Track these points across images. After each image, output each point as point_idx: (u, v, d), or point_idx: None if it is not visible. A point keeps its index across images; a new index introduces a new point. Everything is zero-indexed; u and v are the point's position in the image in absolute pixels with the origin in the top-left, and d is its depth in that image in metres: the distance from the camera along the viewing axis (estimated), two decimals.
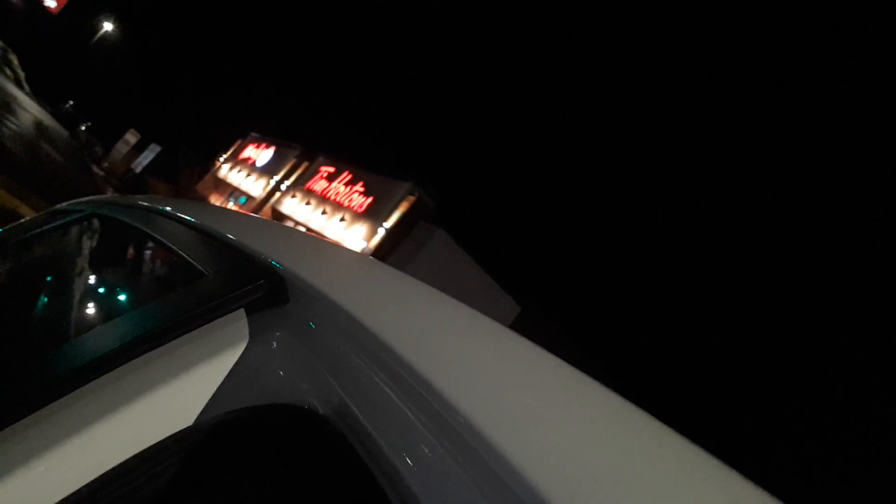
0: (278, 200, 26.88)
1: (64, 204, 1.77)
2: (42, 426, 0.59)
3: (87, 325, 1.13)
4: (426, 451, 0.48)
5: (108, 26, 36.02)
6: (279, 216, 25.76)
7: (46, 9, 32.62)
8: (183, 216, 1.15)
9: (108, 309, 1.22)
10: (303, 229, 1.26)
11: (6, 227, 1.75)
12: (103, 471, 0.58)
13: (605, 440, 0.54)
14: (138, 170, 30.40)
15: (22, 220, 1.76)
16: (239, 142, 33.10)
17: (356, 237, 21.58)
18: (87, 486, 0.57)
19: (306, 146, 28.30)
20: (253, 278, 0.78)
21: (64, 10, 33.37)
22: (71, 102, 33.29)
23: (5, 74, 23.25)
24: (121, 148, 31.37)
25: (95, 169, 24.87)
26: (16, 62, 26.94)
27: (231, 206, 28.19)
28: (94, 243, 1.47)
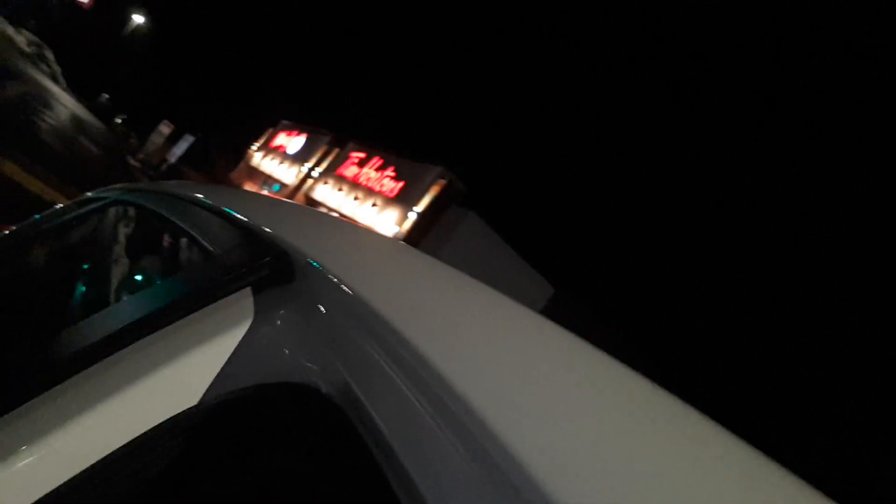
0: (311, 187, 27.12)
1: (90, 192, 1.82)
2: (49, 407, 0.61)
3: (100, 306, 1.16)
4: (426, 435, 0.48)
5: (139, 19, 36.54)
6: (312, 203, 26.00)
7: (79, 4, 33.19)
8: (198, 198, 1.16)
9: (122, 290, 1.24)
10: (336, 216, 1.27)
11: (40, 215, 1.82)
12: (112, 450, 0.60)
13: (632, 440, 0.52)
14: (173, 160, 30.90)
15: (53, 209, 1.81)
16: (270, 130, 33.41)
17: (388, 222, 21.67)
18: (95, 464, 0.59)
19: (337, 132, 28.47)
20: (259, 256, 0.78)
21: (96, 4, 33.93)
22: (106, 96, 33.87)
23: (42, 70, 23.74)
24: (155, 139, 31.90)
25: (132, 161, 25.33)
26: (51, 58, 27.49)
27: (265, 194, 28.43)
28: (115, 228, 1.50)
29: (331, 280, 0.71)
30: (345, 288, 0.68)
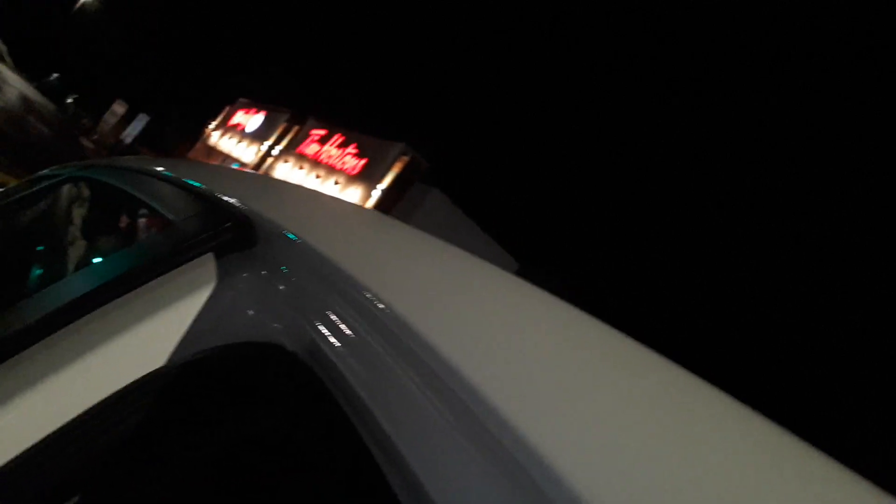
0: (271, 166, 26.73)
1: (45, 170, 1.80)
2: (10, 374, 0.60)
3: (62, 276, 1.15)
4: (395, 385, 0.47)
5: None
6: None
7: None
8: (157, 171, 1.17)
9: (83, 260, 1.24)
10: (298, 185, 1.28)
11: None
12: (77, 413, 0.60)
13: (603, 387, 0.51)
14: (128, 140, 30.14)
15: (6, 187, 1.79)
16: (228, 108, 32.72)
17: (351, 200, 21.46)
18: (60, 428, 0.59)
19: (296, 110, 28.04)
20: (220, 222, 0.79)
21: None
22: (56, 75, 32.67)
23: None
24: (109, 119, 31.09)
25: (85, 141, 24.57)
26: None
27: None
28: (73, 203, 1.50)
29: (293, 242, 0.72)
30: (308, 248, 0.69)
